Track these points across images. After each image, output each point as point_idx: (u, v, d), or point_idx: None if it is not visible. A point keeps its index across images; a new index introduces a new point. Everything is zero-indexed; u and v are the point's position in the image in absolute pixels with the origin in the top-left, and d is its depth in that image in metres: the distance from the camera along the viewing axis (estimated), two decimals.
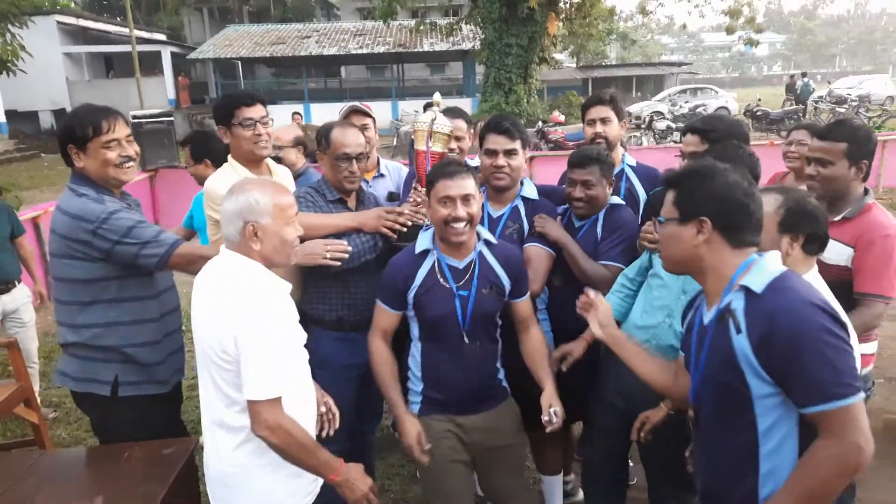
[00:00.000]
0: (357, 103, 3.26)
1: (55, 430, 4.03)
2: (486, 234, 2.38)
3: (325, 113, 22.47)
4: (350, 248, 2.47)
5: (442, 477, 2.33)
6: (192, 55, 26.67)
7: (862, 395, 1.45)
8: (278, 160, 3.17)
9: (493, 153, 2.58)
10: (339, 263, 2.44)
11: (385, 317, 2.35)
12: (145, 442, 2.27)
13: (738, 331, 1.53)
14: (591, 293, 2.07)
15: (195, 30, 35.26)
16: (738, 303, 1.56)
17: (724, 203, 1.60)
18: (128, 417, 2.33)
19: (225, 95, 2.74)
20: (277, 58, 26.89)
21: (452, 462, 2.32)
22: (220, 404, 1.87)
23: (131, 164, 2.33)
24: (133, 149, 2.34)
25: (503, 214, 2.67)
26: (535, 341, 2.40)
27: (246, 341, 1.75)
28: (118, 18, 31.02)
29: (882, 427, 3.69)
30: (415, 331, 2.36)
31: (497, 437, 2.36)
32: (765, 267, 1.58)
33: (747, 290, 1.55)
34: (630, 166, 3.05)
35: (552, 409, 2.18)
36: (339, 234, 2.50)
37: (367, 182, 3.21)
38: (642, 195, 2.95)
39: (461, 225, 2.18)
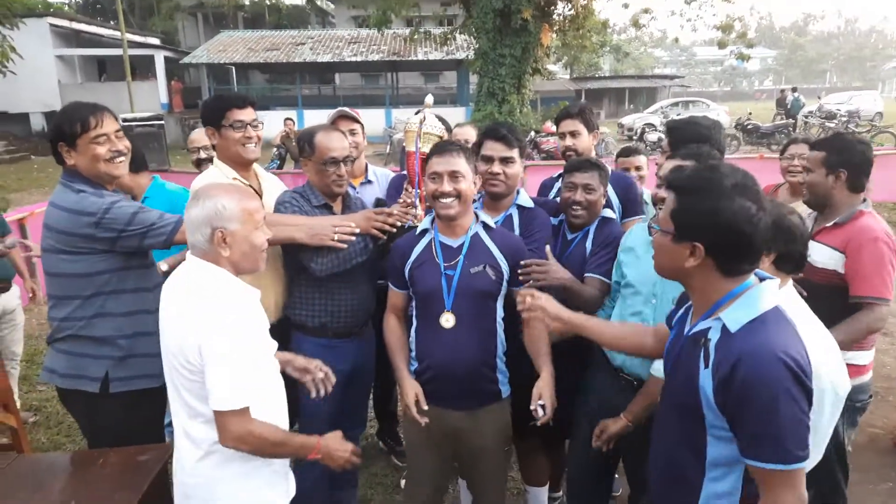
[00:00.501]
0: (345, 108, 3.24)
1: (35, 435, 3.97)
2: (486, 218, 2.38)
3: (318, 119, 22.02)
4: (356, 229, 2.44)
5: (414, 459, 2.50)
6: (186, 60, 26.60)
7: (803, 464, 1.39)
8: None
9: (489, 160, 2.58)
10: (345, 246, 2.42)
11: (394, 296, 2.46)
12: (120, 448, 2.24)
13: (707, 365, 1.48)
14: (524, 293, 2.00)
15: (189, 34, 35.23)
16: (714, 334, 1.50)
17: (723, 233, 1.46)
18: (116, 413, 2.31)
19: (215, 96, 2.70)
20: (271, 64, 26.87)
21: (427, 448, 2.40)
22: (184, 415, 1.84)
23: (122, 158, 2.32)
24: (123, 143, 2.33)
25: (497, 222, 2.63)
26: (539, 328, 2.29)
27: (211, 351, 1.71)
28: (112, 22, 30.91)
29: (867, 441, 3.70)
30: (412, 309, 2.41)
31: (478, 438, 2.35)
32: (753, 301, 1.49)
33: (724, 325, 1.48)
34: None
35: (540, 401, 2.12)
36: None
37: (355, 188, 3.19)
38: (616, 202, 2.99)
39: (448, 200, 2.24)
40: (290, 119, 13.26)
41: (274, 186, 2.81)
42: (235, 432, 1.75)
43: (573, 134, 3.09)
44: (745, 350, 1.40)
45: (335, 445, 1.99)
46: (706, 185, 1.49)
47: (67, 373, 2.31)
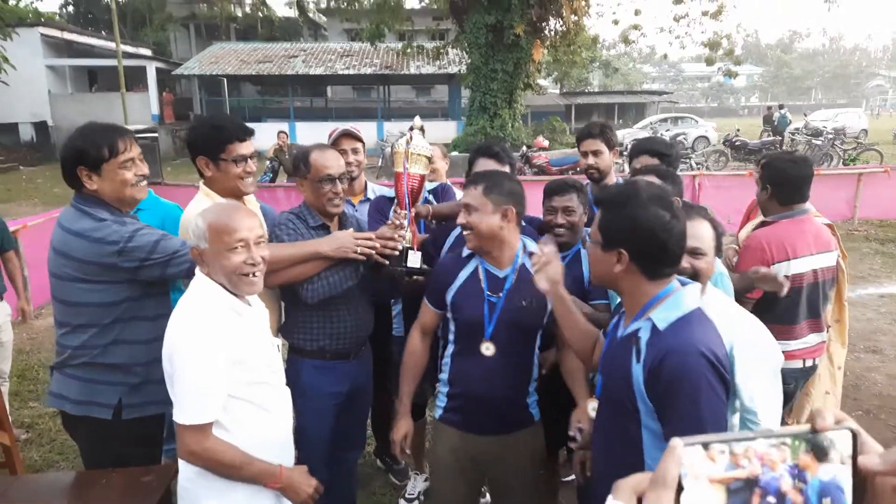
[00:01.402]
0: (348, 127, 3.25)
1: (27, 452, 3.91)
2: (533, 247, 2.30)
3: (310, 132, 22.41)
4: (377, 245, 2.44)
5: (440, 487, 2.47)
6: (178, 71, 26.61)
7: None
8: None
9: None
10: (365, 258, 2.42)
11: (427, 313, 2.43)
12: (123, 468, 2.22)
13: (638, 360, 1.63)
14: (546, 248, 2.04)
15: (181, 46, 35.21)
16: (644, 333, 1.65)
17: (641, 237, 1.63)
18: (124, 439, 2.27)
19: (213, 126, 2.51)
20: (263, 76, 26.92)
21: (453, 476, 2.37)
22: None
23: (144, 182, 2.31)
24: (145, 167, 2.32)
25: None
26: (575, 361, 2.29)
27: (180, 361, 1.74)
28: (103, 32, 30.83)
29: None
30: (449, 333, 2.38)
31: (510, 463, 2.33)
32: (678, 303, 1.65)
33: (653, 324, 1.63)
34: None
35: (579, 424, 2.16)
36: (319, 271, 2.43)
37: (354, 206, 3.21)
38: None
39: (464, 231, 2.27)
40: (284, 132, 13.29)
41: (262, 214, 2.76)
42: (189, 447, 1.77)
43: (595, 153, 3.16)
44: (671, 346, 1.57)
45: (299, 479, 1.97)
46: (625, 198, 1.67)
47: (79, 399, 2.25)
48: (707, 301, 1.84)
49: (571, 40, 19.39)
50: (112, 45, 25.29)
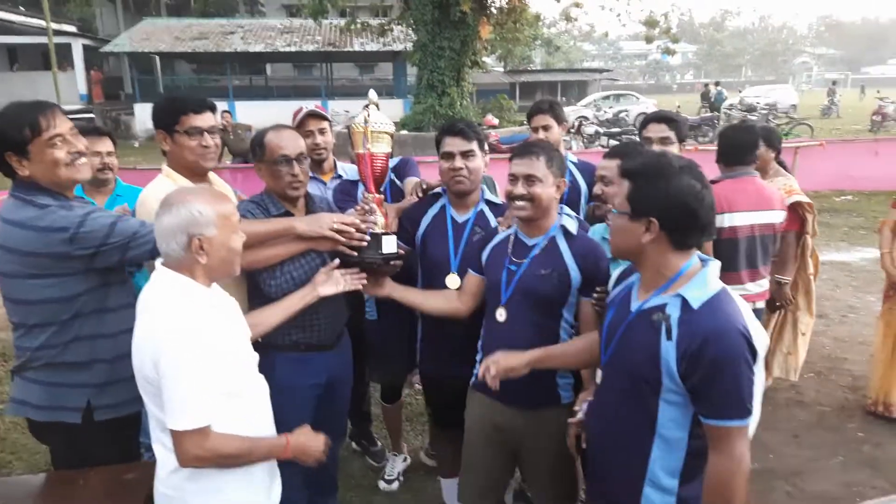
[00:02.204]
0: (313, 107, 3.15)
1: None
2: (569, 224, 2.29)
3: (249, 111, 21.79)
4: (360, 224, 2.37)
5: (469, 451, 2.49)
6: (107, 48, 25.18)
7: (751, 419, 1.65)
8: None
9: (450, 156, 2.54)
10: (343, 239, 2.33)
11: (469, 280, 2.49)
12: (103, 467, 2.11)
13: (669, 337, 1.64)
14: (484, 368, 2.09)
15: (107, 22, 33.35)
16: (673, 310, 1.66)
17: (675, 207, 1.64)
18: (100, 442, 2.13)
19: (169, 97, 2.45)
20: (199, 53, 25.85)
21: (482, 442, 2.41)
22: (157, 428, 1.78)
23: (83, 159, 2.08)
24: (81, 143, 2.09)
25: (468, 219, 2.63)
26: (591, 342, 2.22)
27: (167, 367, 1.64)
28: (21, 8, 28.88)
29: (817, 419, 3.94)
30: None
31: (535, 440, 2.32)
32: (705, 281, 1.68)
33: (684, 301, 1.64)
34: (573, 162, 3.30)
35: (588, 398, 2.12)
36: (290, 255, 2.35)
37: (325, 183, 3.13)
38: (584, 189, 3.19)
39: (521, 203, 2.23)
40: (228, 111, 12.85)
41: (228, 194, 2.65)
42: (193, 453, 1.70)
43: (545, 128, 3.26)
44: (712, 327, 1.59)
45: (306, 440, 1.96)
46: (658, 167, 1.70)
47: (43, 404, 2.10)
48: None
49: (517, 17, 19.37)
50: (33, 21, 23.81)
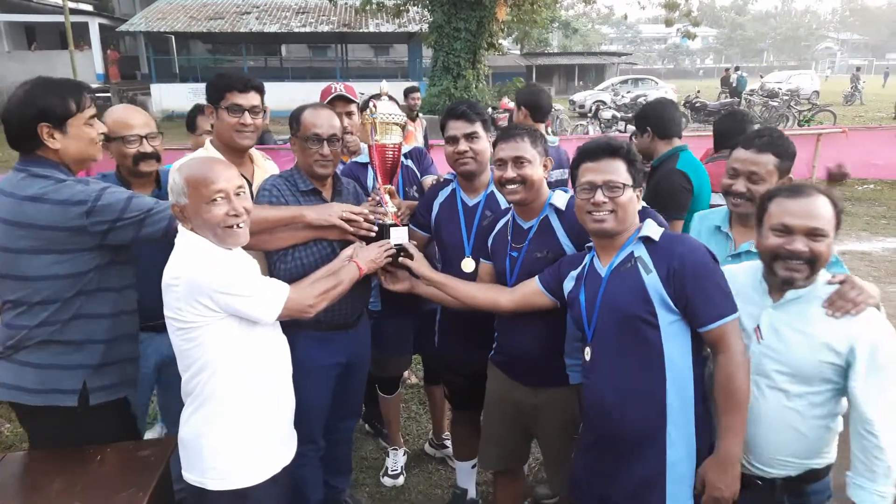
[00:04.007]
0: (341, 90, 3.13)
1: None
2: (558, 201, 2.28)
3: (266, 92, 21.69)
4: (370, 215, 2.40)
5: (488, 424, 2.59)
6: (123, 27, 25.21)
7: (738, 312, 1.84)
8: None
9: (454, 140, 2.49)
10: (351, 229, 2.36)
11: (482, 269, 2.50)
12: (119, 443, 2.13)
13: (648, 271, 1.86)
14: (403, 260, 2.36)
15: (123, 1, 33.30)
16: (640, 252, 1.90)
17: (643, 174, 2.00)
18: (97, 427, 2.11)
19: (219, 73, 2.52)
20: (215, 33, 25.80)
21: (499, 416, 2.49)
22: (181, 368, 1.89)
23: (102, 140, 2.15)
24: (102, 125, 2.16)
25: (479, 202, 2.59)
26: (489, 289, 2.39)
27: (223, 294, 1.78)
28: None
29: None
30: None
31: (544, 417, 2.36)
32: (649, 226, 1.94)
33: (646, 240, 1.90)
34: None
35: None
36: (303, 243, 2.37)
37: (344, 163, 3.11)
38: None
39: (512, 186, 2.25)
40: None
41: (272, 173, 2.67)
42: (302, 306, 2.01)
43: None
44: (680, 248, 1.86)
45: (371, 255, 2.30)
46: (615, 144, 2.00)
47: (37, 388, 2.03)
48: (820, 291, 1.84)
49: None
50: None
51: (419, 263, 2.41)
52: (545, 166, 2.28)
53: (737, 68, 24.62)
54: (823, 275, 1.85)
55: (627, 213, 1.92)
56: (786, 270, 1.79)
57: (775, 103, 17.84)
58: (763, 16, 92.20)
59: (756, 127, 3.10)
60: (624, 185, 1.90)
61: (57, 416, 2.07)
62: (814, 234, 1.76)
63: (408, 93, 7.97)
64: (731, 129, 3.47)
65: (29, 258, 1.96)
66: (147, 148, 2.46)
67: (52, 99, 1.97)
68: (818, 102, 21.15)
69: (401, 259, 2.42)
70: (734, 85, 23.09)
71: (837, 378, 1.79)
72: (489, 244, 2.43)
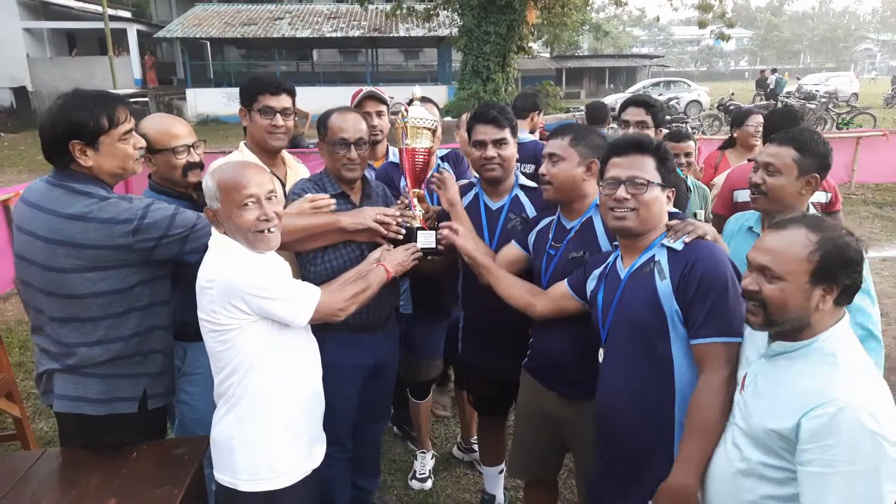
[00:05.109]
0: (372, 89, 3.16)
1: (36, 424, 3.86)
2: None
3: (297, 97, 21.94)
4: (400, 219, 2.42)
5: (519, 431, 2.55)
6: (160, 34, 25.83)
7: (740, 339, 1.72)
8: None
9: (481, 144, 2.46)
10: (383, 230, 2.37)
11: (510, 251, 2.47)
12: (154, 441, 2.17)
13: (663, 278, 1.80)
14: (445, 225, 2.32)
15: (161, 8, 34.12)
16: (661, 256, 1.84)
17: (676, 177, 1.93)
18: (140, 433, 2.14)
19: (252, 76, 2.59)
20: (248, 39, 26.24)
21: (530, 423, 2.45)
22: (214, 372, 1.92)
23: (141, 156, 2.10)
24: (141, 139, 2.09)
25: (503, 206, 2.57)
26: (530, 289, 2.36)
27: (256, 297, 1.80)
28: None
29: None
30: None
31: (576, 428, 2.27)
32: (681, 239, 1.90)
33: (669, 249, 1.84)
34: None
35: None
36: (332, 245, 2.38)
37: (375, 169, 3.13)
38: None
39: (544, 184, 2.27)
40: None
41: (303, 176, 2.70)
42: (332, 310, 2.03)
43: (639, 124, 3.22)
44: (697, 255, 1.77)
45: (398, 258, 2.30)
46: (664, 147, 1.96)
47: (100, 398, 2.03)
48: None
49: (564, 2, 19.03)
50: (90, 6, 24.53)
51: (464, 240, 2.35)
52: (588, 167, 2.23)
53: (773, 70, 24.12)
54: (825, 335, 1.49)
55: (652, 212, 1.86)
56: (747, 312, 1.58)
57: (813, 106, 17.40)
58: (800, 17, 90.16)
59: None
60: (649, 182, 1.85)
61: (110, 423, 2.07)
62: (764, 271, 1.50)
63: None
64: (780, 126, 3.23)
65: (74, 276, 1.93)
66: (195, 157, 2.40)
67: (84, 115, 1.91)
68: (857, 105, 20.56)
69: (429, 257, 2.43)
70: (771, 87, 22.61)
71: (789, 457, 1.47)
72: (530, 241, 2.41)
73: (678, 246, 1.81)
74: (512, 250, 2.45)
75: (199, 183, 2.53)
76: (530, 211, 2.53)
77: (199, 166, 2.43)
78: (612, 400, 1.93)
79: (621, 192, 1.85)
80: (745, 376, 1.64)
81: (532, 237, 2.40)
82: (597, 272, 2.06)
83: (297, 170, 2.72)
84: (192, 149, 2.40)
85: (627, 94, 25.48)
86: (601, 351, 1.99)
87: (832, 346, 1.47)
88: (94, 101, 1.95)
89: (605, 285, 1.97)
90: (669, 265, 1.80)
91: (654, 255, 1.86)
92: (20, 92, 23.25)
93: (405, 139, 2.47)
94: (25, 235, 1.95)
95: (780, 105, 19.86)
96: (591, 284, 2.06)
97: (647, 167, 1.87)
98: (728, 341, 1.71)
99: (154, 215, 1.96)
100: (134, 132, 2.05)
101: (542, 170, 2.23)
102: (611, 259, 2.03)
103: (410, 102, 2.55)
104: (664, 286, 1.79)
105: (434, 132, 2.54)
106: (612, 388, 1.94)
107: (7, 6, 22.45)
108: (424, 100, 3.09)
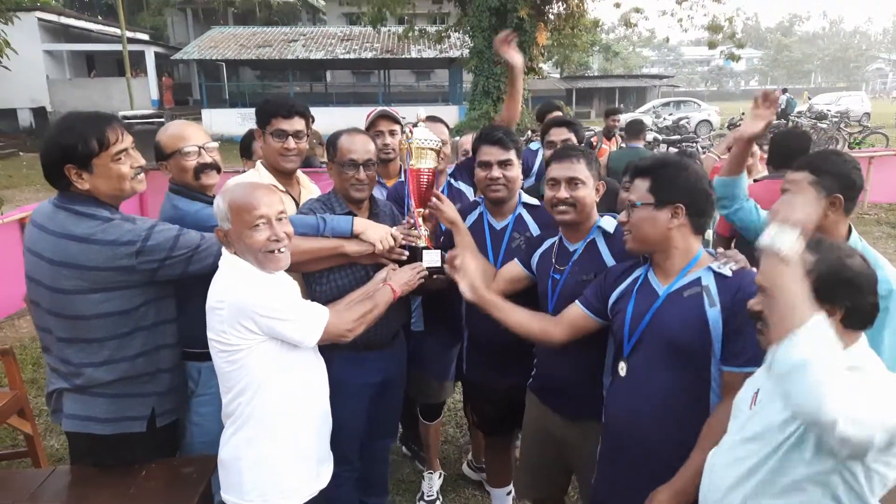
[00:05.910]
0: (386, 108, 3.21)
1: (47, 441, 3.88)
2: (606, 225, 2.27)
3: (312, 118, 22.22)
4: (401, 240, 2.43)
5: (526, 452, 2.56)
6: (177, 56, 26.30)
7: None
8: None
9: (487, 165, 2.50)
10: (389, 255, 2.40)
11: (512, 268, 2.47)
12: (162, 460, 2.18)
13: (713, 304, 1.79)
14: (452, 253, 2.24)
15: (178, 30, 34.84)
16: (708, 281, 1.83)
17: (697, 193, 1.86)
18: (150, 451, 2.15)
19: (266, 100, 2.62)
20: (263, 60, 26.63)
21: (536, 444, 2.46)
22: (222, 391, 1.93)
23: (142, 174, 2.06)
24: (140, 157, 2.06)
25: (507, 225, 2.59)
26: (544, 322, 2.32)
27: (265, 318, 1.81)
28: (99, 17, 30.48)
29: None
30: None
31: (580, 452, 2.27)
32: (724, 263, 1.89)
33: (716, 273, 1.83)
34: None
35: None
36: (334, 265, 2.39)
37: (387, 187, 3.17)
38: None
39: (563, 207, 2.24)
40: None
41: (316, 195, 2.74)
42: (341, 331, 2.04)
43: (564, 142, 3.30)
44: (746, 281, 1.76)
45: (400, 276, 2.30)
46: (674, 161, 1.93)
47: (109, 417, 2.04)
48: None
49: (574, 23, 19.20)
50: (109, 29, 25.05)
51: (468, 279, 2.21)
52: (598, 189, 2.26)
53: (784, 90, 24.10)
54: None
55: (642, 231, 1.91)
56: (756, 332, 1.66)
57: (824, 125, 17.34)
58: (810, 37, 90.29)
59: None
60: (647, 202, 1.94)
61: (119, 442, 2.08)
62: (767, 293, 1.46)
63: (608, 114, 8.34)
64: (790, 148, 3.30)
65: (78, 297, 1.93)
66: (206, 158, 2.33)
67: (73, 139, 1.90)
68: (869, 124, 20.48)
69: (435, 277, 2.43)
70: (782, 106, 22.59)
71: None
72: (533, 263, 2.41)
73: (727, 272, 1.82)
74: (514, 268, 2.45)
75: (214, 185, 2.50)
76: (534, 229, 2.56)
77: (214, 168, 2.36)
78: (639, 412, 1.90)
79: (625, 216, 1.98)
80: (756, 392, 1.59)
81: (535, 259, 2.40)
82: (623, 286, 2.02)
83: (310, 189, 2.76)
84: (203, 150, 2.34)
85: (638, 113, 25.56)
86: (622, 364, 1.96)
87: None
88: (83, 124, 1.94)
89: (635, 299, 1.95)
90: (719, 292, 1.80)
91: (700, 278, 1.85)
92: (39, 112, 23.70)
93: (410, 160, 2.50)
94: (33, 256, 1.97)
95: (790, 125, 19.85)
96: (615, 297, 2.03)
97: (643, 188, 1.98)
98: (754, 370, 1.69)
99: (157, 237, 1.96)
100: (130, 150, 2.02)
101: (564, 193, 2.19)
102: (640, 273, 2.00)
103: (415, 125, 2.58)
104: (713, 312, 1.79)
105: (438, 153, 2.58)
106: (633, 404, 1.91)
107: (29, 30, 22.94)
108: (435, 119, 3.16)
